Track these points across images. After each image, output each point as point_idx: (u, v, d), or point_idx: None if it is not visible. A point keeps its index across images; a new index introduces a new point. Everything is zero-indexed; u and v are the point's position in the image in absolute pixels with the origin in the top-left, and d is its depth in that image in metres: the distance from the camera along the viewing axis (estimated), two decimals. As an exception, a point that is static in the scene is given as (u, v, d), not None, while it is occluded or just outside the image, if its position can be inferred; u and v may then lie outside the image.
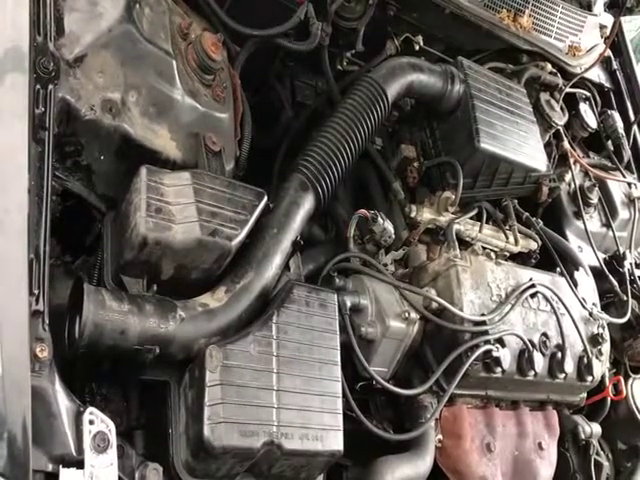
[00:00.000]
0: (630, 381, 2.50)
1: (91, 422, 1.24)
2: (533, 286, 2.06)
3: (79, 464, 1.20)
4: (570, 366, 2.05)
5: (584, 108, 2.80)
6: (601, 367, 2.23)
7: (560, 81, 2.67)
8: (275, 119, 2.38)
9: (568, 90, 2.71)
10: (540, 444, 2.07)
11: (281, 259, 1.65)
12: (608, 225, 2.69)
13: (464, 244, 2.12)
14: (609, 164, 2.85)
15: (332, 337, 1.60)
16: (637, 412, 2.45)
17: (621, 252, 2.64)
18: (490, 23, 2.47)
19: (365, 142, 1.96)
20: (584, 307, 2.21)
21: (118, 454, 1.24)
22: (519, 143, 2.20)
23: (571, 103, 2.77)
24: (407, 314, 1.82)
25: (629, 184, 2.85)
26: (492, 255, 2.11)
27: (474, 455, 1.93)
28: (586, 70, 2.80)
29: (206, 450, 1.36)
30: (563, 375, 2.06)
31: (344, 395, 1.61)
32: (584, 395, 2.25)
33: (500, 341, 1.92)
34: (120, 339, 1.35)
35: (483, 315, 1.91)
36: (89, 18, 1.54)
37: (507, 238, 2.21)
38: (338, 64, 2.35)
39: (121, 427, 1.49)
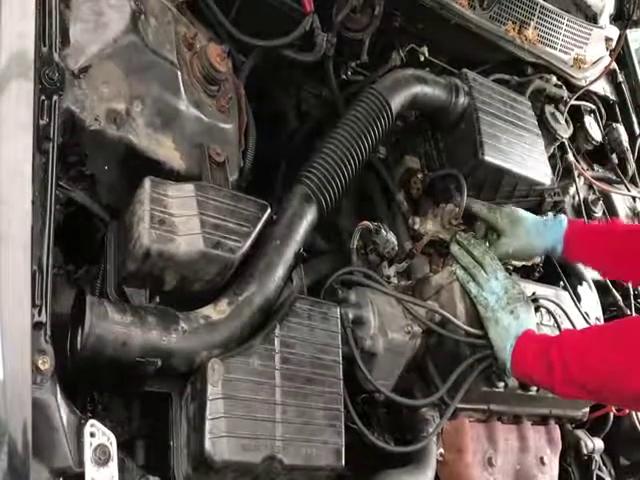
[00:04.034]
0: (633, 396, 2.48)
1: (92, 435, 1.23)
2: (536, 300, 2.06)
3: (79, 477, 1.19)
4: (573, 381, 2.04)
5: (589, 121, 2.80)
6: (604, 382, 2.22)
7: (565, 93, 2.67)
8: (279, 128, 2.38)
9: (573, 102, 2.71)
10: (542, 459, 2.06)
11: (284, 271, 1.64)
12: (612, 239, 2.68)
13: (467, 256, 2.12)
14: (613, 177, 2.85)
15: (334, 351, 1.59)
16: (640, 427, 2.45)
17: (625, 266, 2.63)
18: (495, 35, 2.47)
19: (368, 154, 1.95)
20: (587, 321, 2.21)
21: (119, 467, 1.24)
22: (523, 156, 2.19)
23: (576, 116, 2.77)
24: (410, 327, 1.81)
25: (633, 198, 2.85)
26: (495, 268, 2.11)
27: (475, 469, 1.92)
28: (591, 83, 2.80)
29: (207, 464, 1.35)
30: (566, 390, 2.05)
31: (345, 407, 1.61)
32: (587, 410, 2.24)
33: (503, 355, 1.92)
34: (122, 351, 1.34)
35: (487, 329, 1.91)
36: (94, 28, 1.54)
37: (511, 251, 2.21)
38: (343, 74, 2.35)
39: (122, 437, 1.48)
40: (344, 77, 2.35)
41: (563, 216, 2.09)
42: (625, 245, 1.96)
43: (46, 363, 1.21)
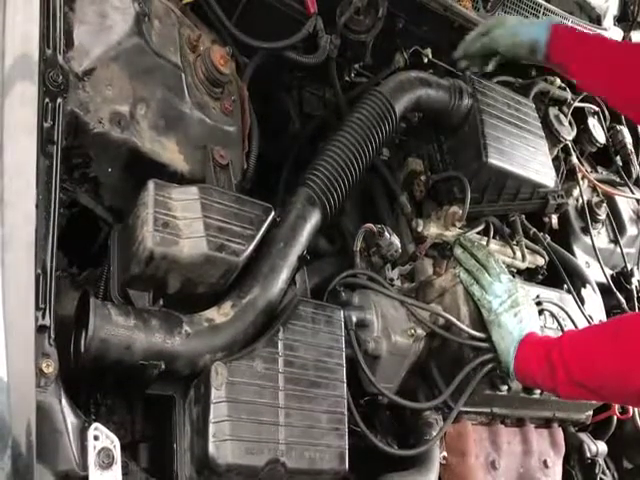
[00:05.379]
0: (637, 399, 2.48)
1: (96, 438, 1.23)
2: (540, 303, 2.06)
3: (83, 480, 1.20)
4: (577, 384, 2.04)
5: (593, 123, 2.79)
6: (607, 385, 2.22)
7: (569, 95, 2.66)
8: (282, 130, 2.38)
9: (577, 104, 2.69)
10: (545, 462, 2.05)
11: (287, 274, 1.64)
12: (616, 241, 2.68)
13: (471, 259, 2.11)
14: (617, 180, 2.85)
15: (338, 355, 1.59)
16: (644, 431, 2.44)
17: (628, 268, 2.63)
18: (499, 37, 2.46)
19: (372, 157, 1.95)
20: (590, 324, 2.20)
21: (122, 471, 1.24)
22: (527, 158, 2.19)
23: (580, 117, 2.76)
24: (413, 330, 1.81)
25: (637, 200, 2.84)
26: (499, 271, 2.10)
27: (479, 472, 1.91)
28: (595, 84, 2.79)
29: (210, 467, 1.35)
30: (570, 392, 2.04)
31: (349, 410, 1.60)
32: (590, 413, 2.23)
33: (507, 358, 1.91)
34: (126, 354, 1.34)
35: (490, 331, 1.90)
36: (98, 31, 1.54)
37: (514, 254, 2.20)
38: (346, 75, 2.34)
39: (125, 439, 1.49)
40: (347, 79, 2.35)
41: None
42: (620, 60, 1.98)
43: (50, 366, 1.21)
